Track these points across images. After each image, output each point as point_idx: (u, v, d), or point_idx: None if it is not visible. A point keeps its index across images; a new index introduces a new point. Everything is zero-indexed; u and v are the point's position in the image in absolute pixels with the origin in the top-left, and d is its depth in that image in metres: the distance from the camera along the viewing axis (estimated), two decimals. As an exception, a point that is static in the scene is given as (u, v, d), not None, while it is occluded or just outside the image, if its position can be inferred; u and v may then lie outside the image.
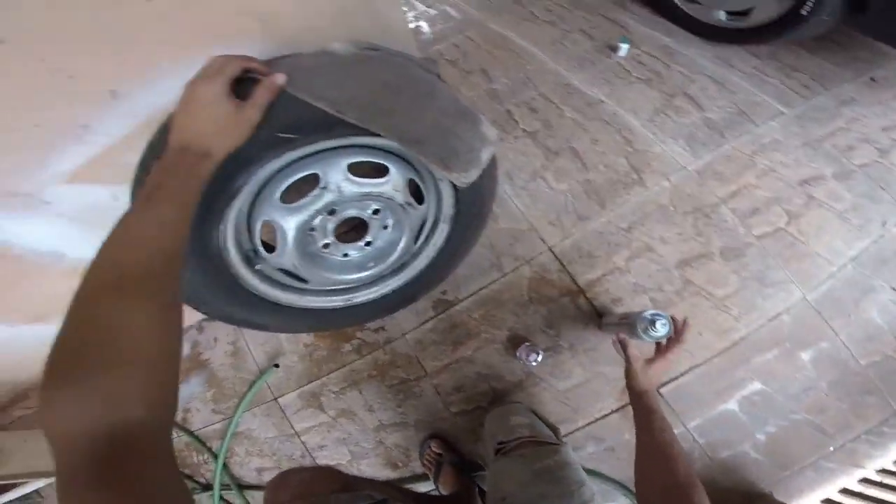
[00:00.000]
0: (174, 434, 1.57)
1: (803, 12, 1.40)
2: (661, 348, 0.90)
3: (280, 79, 0.61)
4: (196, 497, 1.53)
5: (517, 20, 1.90)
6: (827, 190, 1.36)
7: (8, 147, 0.66)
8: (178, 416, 1.56)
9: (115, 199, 0.87)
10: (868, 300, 1.24)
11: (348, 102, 0.67)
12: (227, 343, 1.55)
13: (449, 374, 1.33)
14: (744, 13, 1.58)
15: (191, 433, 1.54)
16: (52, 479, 1.61)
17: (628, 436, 1.22)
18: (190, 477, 1.54)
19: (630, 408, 1.19)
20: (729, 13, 1.63)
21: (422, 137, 0.75)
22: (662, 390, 1.22)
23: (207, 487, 1.52)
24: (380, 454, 1.35)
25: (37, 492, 1.72)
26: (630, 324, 0.95)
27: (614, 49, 1.70)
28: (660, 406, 0.82)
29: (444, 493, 1.23)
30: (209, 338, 1.58)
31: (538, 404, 1.26)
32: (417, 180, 0.94)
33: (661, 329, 0.88)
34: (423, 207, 0.99)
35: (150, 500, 0.34)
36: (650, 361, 0.87)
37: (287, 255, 0.86)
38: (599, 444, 1.23)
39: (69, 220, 0.86)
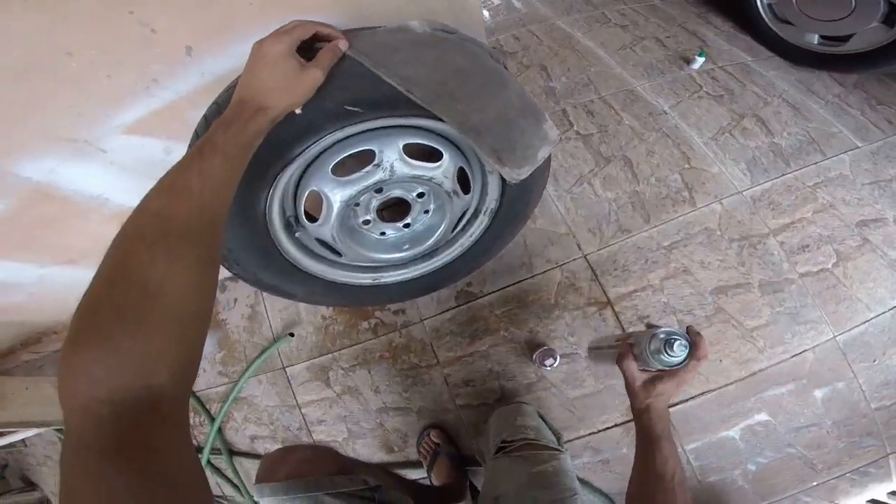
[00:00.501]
0: None
1: None
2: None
3: (343, 44, 0.61)
4: None
5: (587, 21, 1.88)
6: (885, 234, 1.32)
7: (76, 95, 0.68)
8: None
9: (167, 154, 0.89)
10: None
11: (418, 82, 0.67)
12: (245, 306, 1.58)
13: (461, 366, 1.34)
14: (841, 39, 1.54)
15: (192, 393, 1.57)
16: (43, 430, 1.67)
17: (625, 450, 1.23)
18: None
19: (633, 423, 1.21)
20: (823, 37, 1.59)
21: (482, 127, 0.74)
22: (672, 411, 1.21)
23: (197, 450, 1.54)
24: (377, 436, 1.37)
25: (22, 441, 1.77)
26: (636, 344, 0.76)
27: (688, 61, 1.67)
28: (666, 428, 0.69)
29: (435, 483, 1.26)
30: (229, 298, 1.61)
31: (545, 408, 1.27)
32: (467, 169, 0.94)
33: (680, 353, 0.68)
34: (467, 197, 0.99)
35: (165, 470, 0.34)
36: (657, 381, 0.71)
37: (328, 227, 0.87)
38: (596, 455, 1.25)
39: (120, 169, 0.89)
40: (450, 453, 1.26)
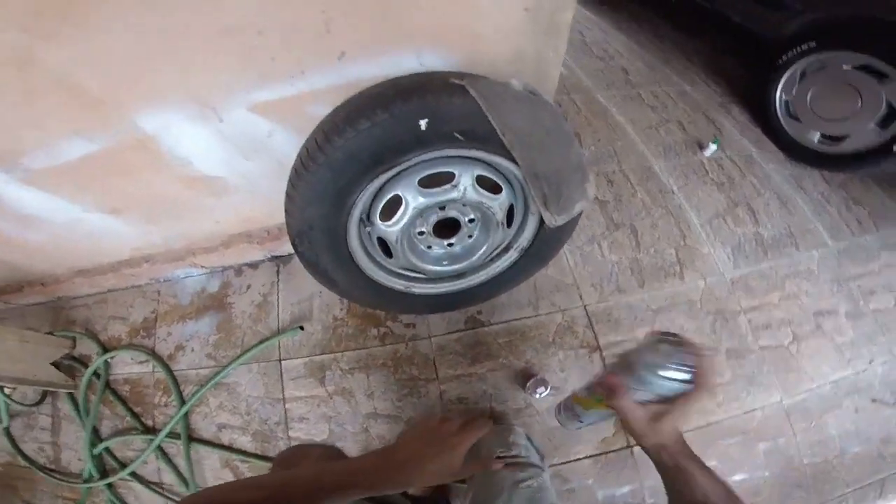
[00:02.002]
0: (149, 367, 1.59)
1: (895, 148, 1.61)
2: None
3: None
4: (129, 438, 1.54)
5: (623, 98, 2.14)
6: (835, 324, 1.56)
7: (239, 67, 0.81)
8: (166, 353, 1.60)
9: (269, 136, 1.01)
10: (831, 414, 1.43)
11: (513, 129, 0.84)
12: (258, 294, 1.63)
13: (458, 384, 1.43)
14: (838, 139, 1.78)
15: (169, 370, 1.56)
16: None
17: (591, 481, 1.32)
18: (137, 416, 1.56)
19: (603, 456, 1.33)
20: (824, 136, 1.82)
21: (542, 175, 0.93)
22: (636, 450, 1.34)
23: (150, 431, 1.52)
24: (359, 441, 1.41)
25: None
26: (629, 365, 0.62)
27: (702, 147, 1.91)
28: (689, 454, 0.60)
29: (415, 494, 1.31)
30: (243, 283, 1.66)
31: (528, 433, 1.37)
32: (515, 206, 1.10)
33: (683, 370, 0.56)
34: (508, 230, 1.15)
35: None
36: (662, 418, 0.60)
37: (397, 228, 1.00)
38: (563, 484, 1.33)
39: (222, 140, 1.00)
40: None
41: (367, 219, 1.01)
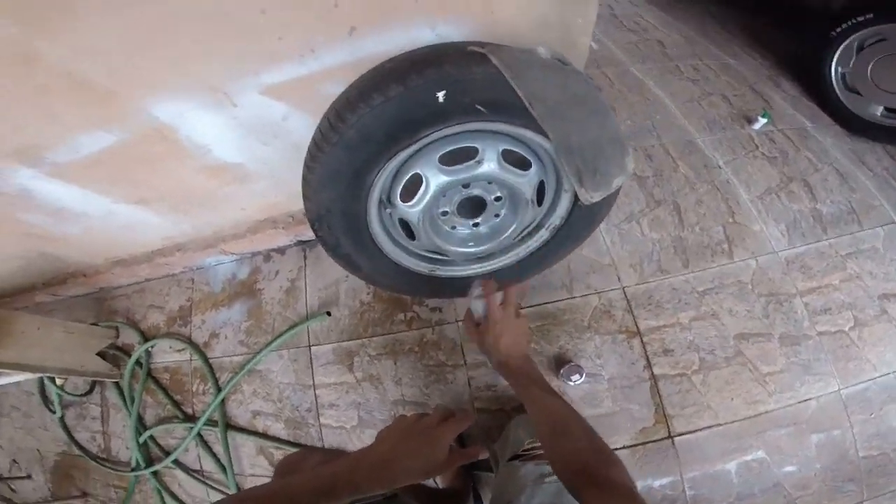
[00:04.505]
0: (187, 355, 1.64)
1: None
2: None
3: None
4: (171, 427, 1.59)
5: (660, 71, 2.01)
6: (903, 308, 1.41)
7: (245, 49, 0.77)
8: (202, 341, 1.65)
9: (283, 119, 0.98)
10: (894, 405, 1.32)
11: (540, 98, 0.77)
12: (286, 279, 1.64)
13: (486, 370, 1.39)
14: None
15: (206, 358, 1.61)
16: (36, 376, 1.62)
17: (632, 473, 1.27)
18: (177, 404, 1.61)
19: (641, 447, 1.27)
20: (888, 109, 1.70)
21: (575, 148, 0.85)
22: (678, 440, 1.28)
23: (190, 419, 1.58)
24: None
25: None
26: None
27: (750, 120, 1.77)
28: (528, 377, 0.79)
29: (441, 484, 1.30)
30: (272, 269, 1.68)
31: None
32: (546, 183, 1.03)
33: (477, 290, 0.86)
34: (539, 209, 1.08)
35: None
36: (484, 330, 0.84)
37: (419, 209, 0.95)
38: None
39: (238, 125, 0.98)
40: None
41: (387, 200, 0.97)
